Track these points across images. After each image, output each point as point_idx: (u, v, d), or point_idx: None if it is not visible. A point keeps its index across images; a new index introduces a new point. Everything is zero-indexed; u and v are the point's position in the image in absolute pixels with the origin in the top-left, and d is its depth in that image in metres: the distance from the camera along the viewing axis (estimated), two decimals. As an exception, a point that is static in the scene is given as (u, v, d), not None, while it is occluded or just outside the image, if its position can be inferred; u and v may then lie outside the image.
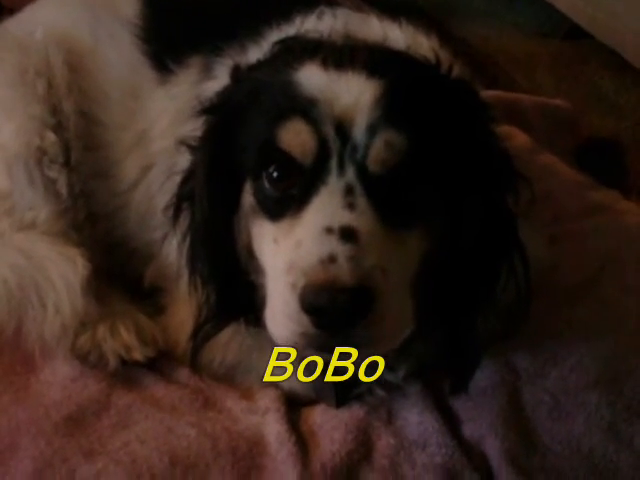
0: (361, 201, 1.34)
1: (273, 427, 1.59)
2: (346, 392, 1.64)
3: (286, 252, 1.35)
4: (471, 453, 1.56)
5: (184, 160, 1.75)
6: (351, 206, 1.33)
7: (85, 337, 1.73)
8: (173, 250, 1.75)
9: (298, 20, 1.73)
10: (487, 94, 1.99)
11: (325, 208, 1.34)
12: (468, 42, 3.03)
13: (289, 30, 1.71)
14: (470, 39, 3.05)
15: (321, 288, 1.27)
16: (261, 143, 1.42)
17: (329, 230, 1.31)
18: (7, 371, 1.72)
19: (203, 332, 1.60)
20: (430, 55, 1.54)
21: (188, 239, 1.58)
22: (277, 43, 1.61)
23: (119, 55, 1.90)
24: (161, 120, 1.84)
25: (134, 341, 1.74)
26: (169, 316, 1.81)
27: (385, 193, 1.36)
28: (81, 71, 1.90)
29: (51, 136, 1.84)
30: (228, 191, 1.49)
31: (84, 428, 1.60)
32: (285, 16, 1.74)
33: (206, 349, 1.68)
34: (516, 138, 2.26)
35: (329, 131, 1.37)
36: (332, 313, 1.27)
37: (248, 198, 1.46)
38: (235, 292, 1.55)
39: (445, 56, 1.64)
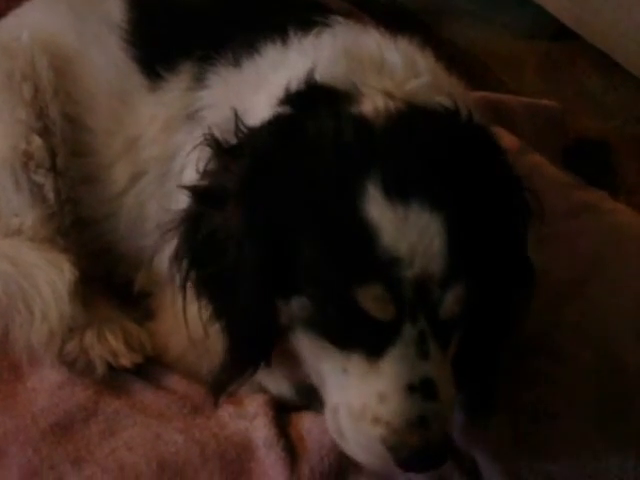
0: (432, 347, 1.37)
1: (261, 432, 1.58)
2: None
3: (363, 396, 1.38)
4: (461, 457, 1.55)
5: (177, 166, 1.75)
6: (425, 355, 1.36)
7: (72, 344, 1.72)
8: (165, 257, 1.74)
9: (294, 37, 1.70)
10: (474, 95, 1.99)
11: (403, 360, 1.36)
12: (455, 44, 3.03)
13: (286, 51, 1.69)
14: (457, 41, 3.05)
15: (416, 450, 1.34)
16: (329, 290, 1.36)
17: (412, 388, 1.35)
18: (-6, 379, 1.70)
19: (218, 382, 1.57)
20: (429, 77, 1.56)
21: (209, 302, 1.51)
22: (290, 102, 1.50)
23: (106, 60, 1.88)
24: (151, 127, 1.82)
25: (121, 347, 1.73)
26: (158, 322, 1.81)
27: (449, 331, 1.40)
28: (68, 75, 1.89)
29: (37, 140, 1.83)
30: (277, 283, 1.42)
31: (72, 435, 1.59)
32: (280, 30, 1.71)
33: (195, 355, 1.68)
34: (503, 139, 2.24)
35: (408, 292, 1.34)
36: (423, 466, 1.39)
37: (301, 311, 1.41)
38: (254, 348, 1.52)
39: (443, 75, 1.65)
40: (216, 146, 1.51)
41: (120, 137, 1.85)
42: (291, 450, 1.56)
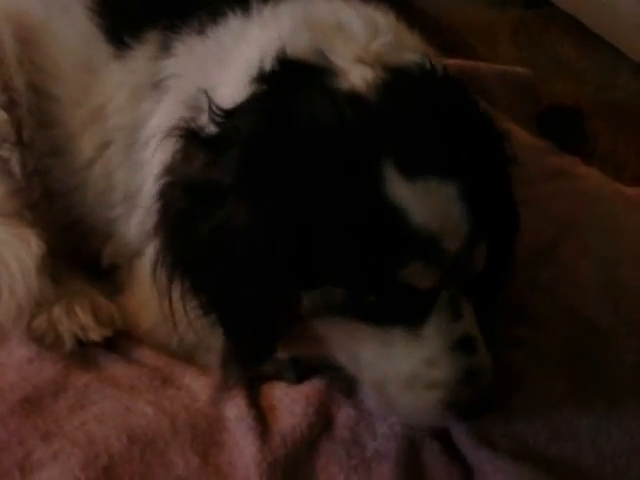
0: (463, 304, 1.43)
1: (232, 403, 1.57)
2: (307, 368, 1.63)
3: (411, 365, 1.42)
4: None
5: (144, 136, 1.73)
6: (459, 314, 1.42)
7: (41, 318, 1.70)
8: (132, 228, 1.74)
9: (255, 7, 1.67)
10: (447, 62, 1.97)
11: (442, 324, 1.41)
12: (429, 13, 3.01)
13: (247, 22, 1.66)
14: (430, 10, 3.03)
15: (472, 402, 1.42)
16: (368, 277, 1.37)
17: (456, 347, 1.41)
18: (-38, 355, 1.68)
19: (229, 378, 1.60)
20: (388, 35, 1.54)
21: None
22: (265, 81, 1.48)
23: (73, 28, 1.84)
24: (118, 95, 1.79)
25: (90, 321, 1.71)
26: (128, 296, 1.78)
27: (473, 287, 1.45)
28: (33, 45, 1.85)
29: (2, 114, 1.79)
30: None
31: (41, 410, 1.57)
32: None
33: (165, 329, 1.67)
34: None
35: (444, 262, 1.38)
36: (481, 413, 1.46)
37: (331, 299, 1.41)
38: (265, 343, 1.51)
39: (405, 32, 1.63)
40: (193, 137, 1.49)
41: (86, 106, 1.81)
42: (262, 420, 1.55)
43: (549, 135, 2.33)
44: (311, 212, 1.36)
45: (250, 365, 1.58)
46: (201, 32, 1.71)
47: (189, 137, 1.50)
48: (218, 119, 1.47)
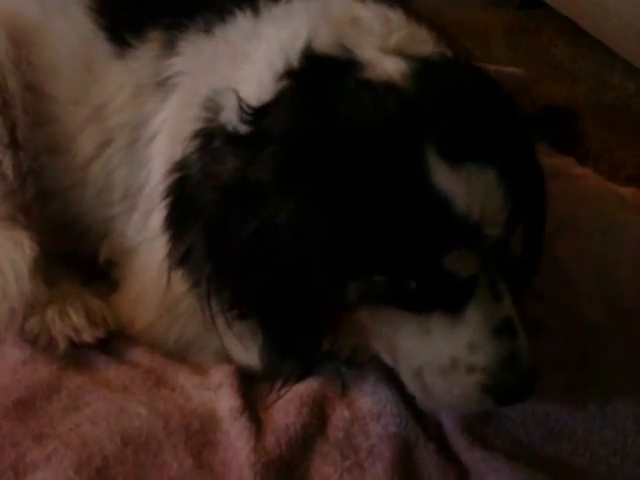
0: (502, 288, 1.44)
1: (226, 402, 1.57)
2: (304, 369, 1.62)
3: (451, 350, 1.42)
4: (426, 422, 1.55)
5: (148, 134, 1.74)
6: (499, 297, 1.43)
7: (34, 320, 1.70)
8: (132, 225, 1.75)
9: (264, 6, 1.68)
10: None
11: (483, 308, 1.42)
12: (422, 13, 3.01)
13: (258, 21, 1.67)
14: (424, 10, 3.03)
15: (514, 386, 1.42)
16: (413, 265, 1.38)
17: (497, 331, 1.41)
18: (-44, 358, 1.68)
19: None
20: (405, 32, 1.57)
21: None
22: (294, 77, 1.50)
23: (71, 28, 1.84)
24: (120, 94, 1.79)
25: (83, 323, 1.71)
26: (123, 293, 1.78)
27: (510, 270, 1.45)
28: (29, 46, 1.84)
29: None
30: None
31: (34, 412, 1.57)
32: None
33: (163, 325, 1.68)
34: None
35: (485, 247, 1.39)
36: (522, 398, 1.46)
37: (374, 288, 1.42)
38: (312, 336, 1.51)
39: (416, 26, 1.65)
40: (223, 137, 1.50)
41: (85, 105, 1.81)
42: (256, 420, 1.55)
43: (543, 136, 2.33)
44: (355, 203, 1.37)
45: (300, 360, 1.56)
46: (208, 31, 1.71)
47: (218, 136, 1.51)
48: (249, 118, 1.48)
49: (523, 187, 1.43)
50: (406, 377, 1.50)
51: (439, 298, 1.41)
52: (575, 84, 2.77)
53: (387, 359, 1.53)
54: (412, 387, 1.49)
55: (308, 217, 1.38)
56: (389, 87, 1.43)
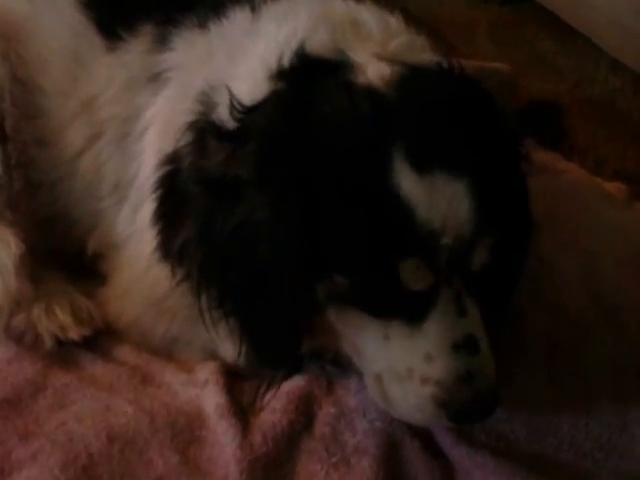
0: (468, 302, 1.41)
1: (212, 399, 1.57)
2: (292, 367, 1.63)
3: (408, 359, 1.41)
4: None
5: (139, 127, 1.74)
6: (463, 312, 1.40)
7: (20, 318, 1.69)
8: (122, 218, 1.75)
9: (262, 3, 1.68)
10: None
11: (445, 321, 1.39)
12: (407, 9, 3.01)
13: (257, 18, 1.67)
14: (408, 6, 3.03)
15: (467, 404, 1.39)
16: (370, 268, 1.37)
17: (457, 345, 1.39)
18: (-59, 356, 1.67)
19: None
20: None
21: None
22: (285, 77, 1.49)
23: (60, 20, 1.83)
24: (110, 87, 1.78)
25: (69, 320, 1.70)
26: (111, 286, 1.78)
27: (479, 284, 1.42)
28: (17, 39, 1.84)
29: None
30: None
31: (20, 410, 1.57)
32: None
33: (150, 319, 1.69)
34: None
35: (444, 260, 1.37)
36: (475, 418, 1.44)
37: (338, 289, 1.42)
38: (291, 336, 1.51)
39: (414, 33, 1.65)
40: (212, 131, 1.49)
41: (75, 98, 1.81)
42: (243, 416, 1.55)
43: (528, 131, 2.34)
44: (321, 201, 1.37)
45: (279, 363, 1.57)
46: (202, 26, 1.71)
47: (208, 131, 1.51)
48: (238, 115, 1.48)
49: (499, 202, 1.41)
50: (368, 381, 1.50)
51: (398, 306, 1.40)
52: (560, 79, 2.78)
53: (355, 361, 1.53)
54: (372, 392, 1.49)
55: (279, 215, 1.38)
56: (369, 91, 1.42)
